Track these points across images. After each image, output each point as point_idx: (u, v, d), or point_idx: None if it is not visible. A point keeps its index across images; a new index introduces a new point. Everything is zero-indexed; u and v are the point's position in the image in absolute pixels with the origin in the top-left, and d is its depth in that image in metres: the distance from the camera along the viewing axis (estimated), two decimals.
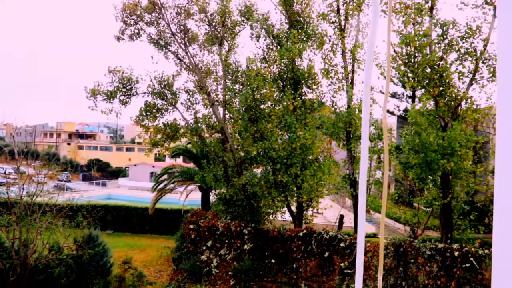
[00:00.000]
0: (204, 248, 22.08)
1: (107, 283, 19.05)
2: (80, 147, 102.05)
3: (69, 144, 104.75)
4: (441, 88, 18.34)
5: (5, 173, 54.98)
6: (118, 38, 23.28)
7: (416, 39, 18.23)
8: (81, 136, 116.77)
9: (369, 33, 1.59)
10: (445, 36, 18.10)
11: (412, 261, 17.65)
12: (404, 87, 23.86)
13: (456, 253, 16.96)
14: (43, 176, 21.76)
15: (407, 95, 40.93)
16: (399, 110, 42.97)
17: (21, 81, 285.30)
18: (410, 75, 19.02)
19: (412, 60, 19.21)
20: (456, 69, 18.34)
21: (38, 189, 18.38)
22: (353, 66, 21.83)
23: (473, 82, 18.30)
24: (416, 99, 21.32)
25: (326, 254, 19.41)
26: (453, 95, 18.50)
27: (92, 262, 18.89)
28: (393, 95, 41.28)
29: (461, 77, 18.37)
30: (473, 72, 18.10)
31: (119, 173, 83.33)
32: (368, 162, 21.00)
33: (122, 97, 22.84)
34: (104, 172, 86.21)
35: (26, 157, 22.01)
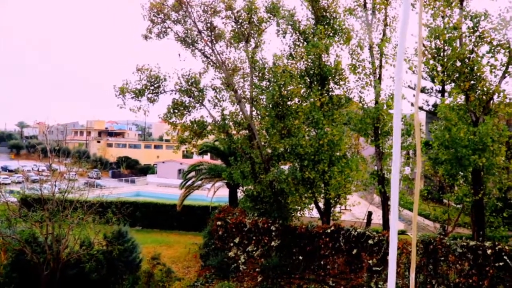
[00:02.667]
0: (231, 244, 22.19)
1: (136, 278, 19.37)
2: (109, 145, 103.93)
3: (98, 142, 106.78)
4: (472, 82, 17.91)
5: (38, 170, 56.41)
6: (146, 37, 23.55)
7: (445, 32, 17.84)
8: (110, 134, 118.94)
9: (399, 27, 1.56)
10: (476, 28, 17.64)
11: (442, 258, 17.33)
12: (433, 81, 23.44)
13: (488, 251, 16.56)
14: (74, 173, 22.24)
15: (436, 90, 40.19)
16: (428, 105, 42.20)
17: (53, 81, 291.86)
18: (439, 69, 18.63)
19: (442, 53, 18.81)
20: (488, 62, 17.84)
21: (70, 186, 18.82)
22: (380, 61, 21.53)
23: (506, 75, 17.78)
24: (446, 94, 20.93)
25: (354, 251, 19.25)
26: (485, 89, 18.03)
27: (121, 257, 19.23)
28: (422, 90, 40.55)
29: (493, 70, 17.86)
30: (506, 64, 17.58)
31: (148, 170, 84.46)
32: None
33: (150, 95, 23.11)
34: (133, 169, 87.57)
35: (58, 154, 22.53)
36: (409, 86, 34.45)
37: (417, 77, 1.64)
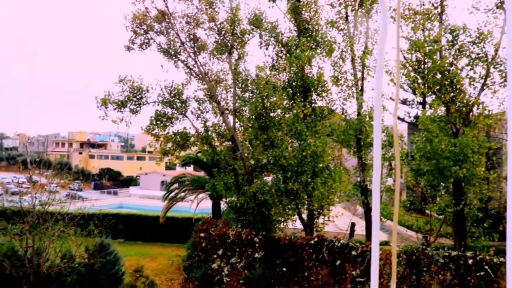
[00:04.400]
0: (215, 256, 22.04)
1: None
2: (92, 156, 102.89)
3: (80, 153, 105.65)
4: (452, 94, 18.20)
5: (18, 182, 55.47)
6: (128, 48, 23.46)
7: (425, 45, 18.14)
8: (93, 145, 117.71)
9: (379, 40, 1.60)
10: (455, 42, 17.97)
11: (425, 269, 17.44)
12: (414, 93, 23.75)
13: (470, 261, 16.72)
14: (55, 185, 21.91)
15: (417, 102, 40.70)
16: (409, 116, 42.68)
17: (33, 93, 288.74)
18: (420, 81, 18.91)
19: (422, 66, 19.10)
20: (467, 74, 18.19)
21: (50, 198, 18.54)
22: (362, 73, 21.78)
23: (485, 87, 18.13)
24: (427, 106, 21.18)
25: (338, 262, 19.26)
26: (465, 101, 18.34)
27: (103, 270, 18.95)
28: (404, 102, 41.04)
29: (472, 83, 18.20)
30: (484, 77, 17.93)
31: (130, 182, 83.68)
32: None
33: (132, 106, 22.97)
34: (115, 181, 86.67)
35: (38, 166, 22.24)
36: (390, 98, 34.83)
37: (396, 87, 1.67)
